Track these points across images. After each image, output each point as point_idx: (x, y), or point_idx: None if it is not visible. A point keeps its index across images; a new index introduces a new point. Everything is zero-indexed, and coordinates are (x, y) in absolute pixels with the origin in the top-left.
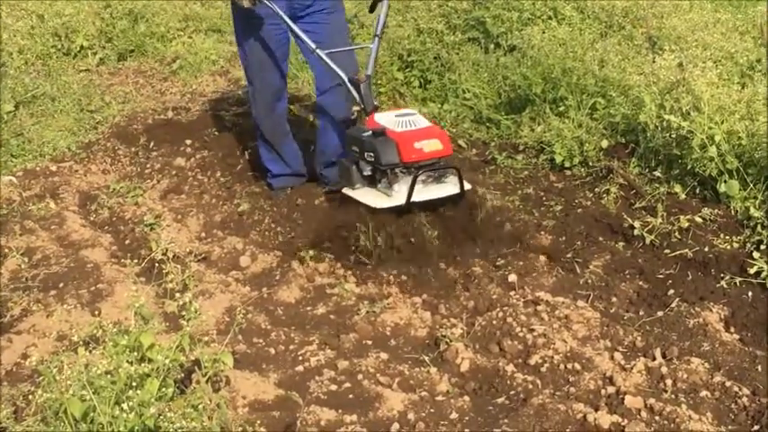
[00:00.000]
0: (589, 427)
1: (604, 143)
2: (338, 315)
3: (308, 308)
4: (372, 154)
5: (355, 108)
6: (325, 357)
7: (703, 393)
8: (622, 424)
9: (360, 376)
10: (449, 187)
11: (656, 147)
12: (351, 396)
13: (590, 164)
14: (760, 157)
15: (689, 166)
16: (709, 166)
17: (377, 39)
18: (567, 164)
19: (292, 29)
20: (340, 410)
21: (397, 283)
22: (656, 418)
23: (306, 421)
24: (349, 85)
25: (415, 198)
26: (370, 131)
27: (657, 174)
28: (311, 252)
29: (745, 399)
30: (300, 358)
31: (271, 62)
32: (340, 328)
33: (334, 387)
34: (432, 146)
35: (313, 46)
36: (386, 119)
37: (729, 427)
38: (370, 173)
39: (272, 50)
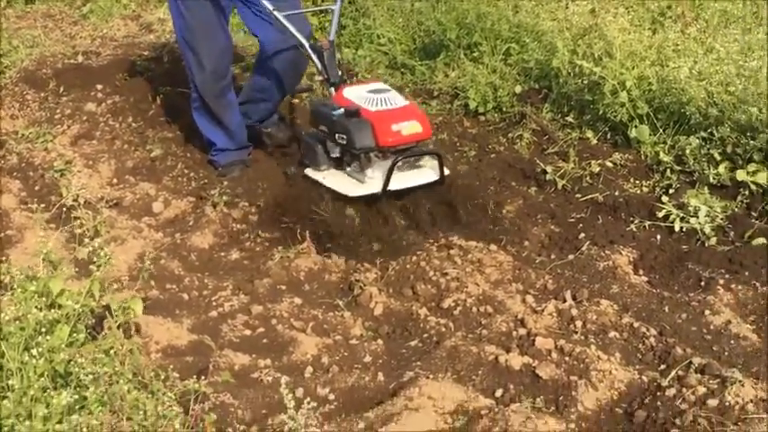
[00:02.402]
0: (501, 368)
1: (518, 89)
2: (252, 261)
3: (222, 253)
4: (344, 136)
5: (317, 78)
6: (239, 302)
7: (612, 334)
8: (533, 365)
9: (274, 321)
10: (427, 173)
11: (569, 92)
12: (265, 340)
13: (504, 109)
14: (669, 103)
15: (600, 112)
16: (620, 111)
17: (339, 1)
18: (481, 109)
19: None
20: (254, 355)
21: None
22: (566, 358)
23: (219, 365)
24: (310, 51)
25: (392, 186)
26: (342, 110)
27: (570, 119)
28: (225, 198)
29: (652, 339)
30: (214, 303)
31: (218, 23)
32: (254, 274)
33: (248, 332)
34: (411, 128)
35: (271, 7)
36: (357, 95)
37: (637, 366)
38: (338, 154)
39: (219, 10)
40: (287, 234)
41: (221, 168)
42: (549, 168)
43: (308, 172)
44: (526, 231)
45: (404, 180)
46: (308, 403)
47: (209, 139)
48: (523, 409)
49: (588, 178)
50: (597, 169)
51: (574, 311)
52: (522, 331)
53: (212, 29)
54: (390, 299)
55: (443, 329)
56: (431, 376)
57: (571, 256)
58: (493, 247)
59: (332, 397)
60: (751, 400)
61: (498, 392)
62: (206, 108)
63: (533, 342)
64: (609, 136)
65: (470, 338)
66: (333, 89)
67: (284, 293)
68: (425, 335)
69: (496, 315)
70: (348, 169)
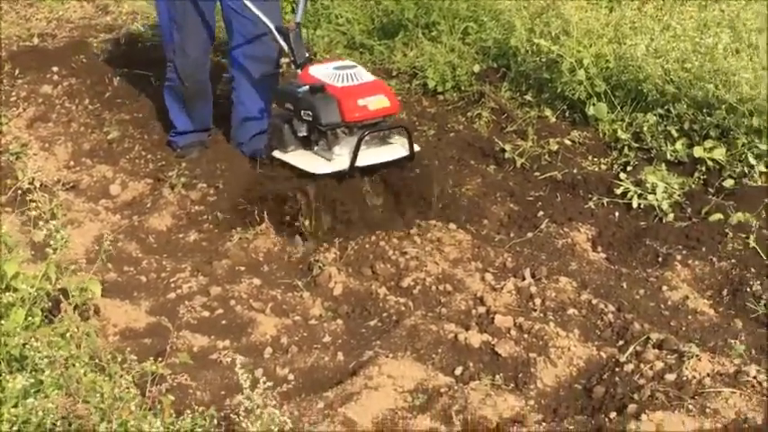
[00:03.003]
0: (460, 346)
1: (476, 68)
2: (210, 242)
3: (180, 235)
4: (310, 112)
5: (284, 60)
6: (198, 284)
7: (571, 311)
8: (492, 342)
9: (232, 302)
10: (396, 149)
11: (527, 71)
12: (224, 322)
13: (462, 88)
14: (627, 80)
15: (559, 90)
16: (578, 89)
17: None
18: (439, 88)
19: None
20: (212, 336)
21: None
22: (525, 336)
23: (177, 347)
24: (276, 34)
25: (360, 162)
26: (307, 86)
27: (528, 98)
28: (183, 179)
29: (610, 315)
30: (172, 285)
31: (206, 12)
32: (212, 255)
33: (206, 313)
34: (377, 103)
35: None
36: (323, 72)
37: (596, 342)
38: (305, 133)
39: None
40: (246, 215)
41: (180, 150)
42: (507, 147)
43: (276, 153)
44: (485, 210)
45: (372, 156)
46: (264, 383)
47: (172, 120)
48: (483, 386)
49: (547, 156)
50: (555, 147)
51: (533, 289)
52: (482, 309)
53: (201, 17)
54: (350, 278)
55: (403, 308)
56: (390, 355)
57: (530, 234)
58: (452, 226)
59: (291, 377)
60: (708, 374)
61: (458, 370)
62: (180, 90)
63: (492, 320)
64: (567, 114)
65: (430, 317)
66: (299, 70)
67: (243, 274)
68: (385, 314)
69: (456, 293)
70: (315, 148)
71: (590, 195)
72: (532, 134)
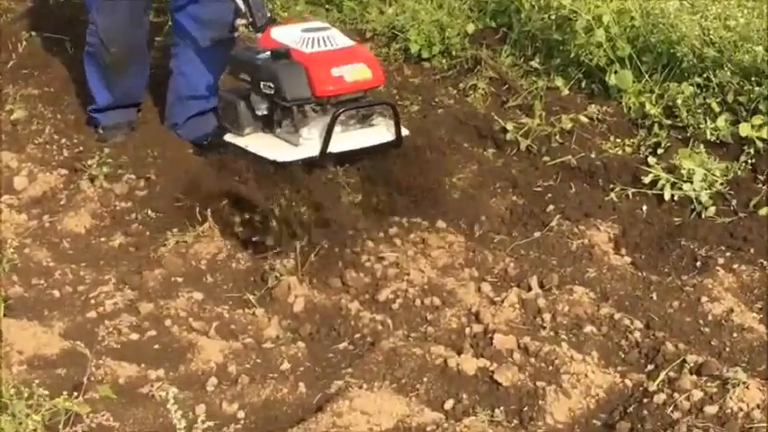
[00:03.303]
0: (451, 373)
1: (470, 28)
2: (140, 247)
3: (103, 239)
4: (271, 84)
5: (240, 23)
6: (124, 300)
7: (588, 329)
8: (491, 369)
9: (168, 322)
10: (379, 132)
11: (533, 31)
12: (157, 346)
13: (453, 54)
14: (657, 42)
15: (572, 55)
16: (596, 53)
17: None
18: (425, 54)
19: None
20: (143, 364)
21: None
22: (532, 360)
23: (98, 378)
24: None
25: (334, 148)
26: (268, 52)
27: (534, 64)
28: (105, 169)
29: (637, 333)
30: (93, 302)
31: None
32: (143, 263)
33: (135, 336)
34: (356, 73)
35: None
36: (289, 35)
37: (619, 368)
38: (266, 112)
39: None
40: (183, 213)
41: (101, 131)
42: (509, 126)
43: (229, 137)
44: (482, 204)
45: (349, 141)
46: (206, 423)
47: (91, 93)
48: (479, 423)
49: (558, 137)
50: (569, 126)
51: (541, 302)
52: (477, 328)
53: None
54: (313, 291)
55: (380, 327)
56: (364, 386)
57: (537, 234)
58: (440, 224)
59: (241, 414)
60: (757, 406)
61: (448, 404)
62: (104, 58)
63: (491, 341)
64: (583, 84)
65: (413, 338)
66: (259, 34)
67: (180, 287)
68: (357, 335)
69: (445, 308)
70: (278, 130)
71: (612, 185)
72: (540, 110)
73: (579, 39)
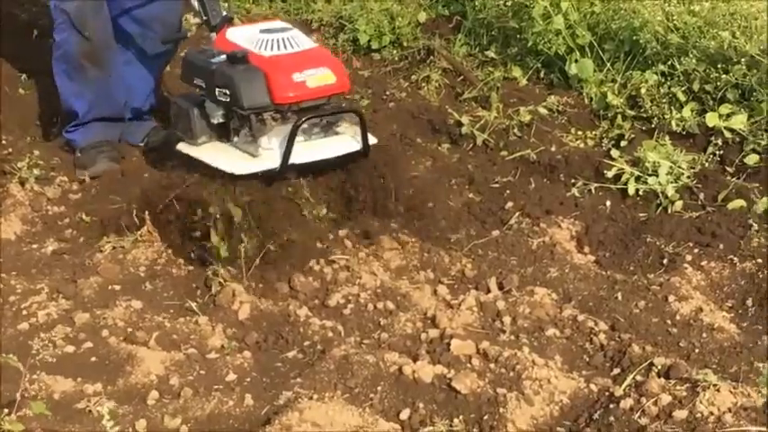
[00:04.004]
0: (406, 381)
1: (422, 16)
2: (75, 254)
3: (34, 246)
4: (227, 91)
5: (193, 21)
6: (59, 310)
7: (551, 332)
8: (449, 376)
9: (105, 332)
10: (345, 141)
11: (489, 19)
12: (93, 359)
13: (404, 44)
14: (618, 29)
15: (530, 43)
16: (555, 41)
17: None
18: (374, 45)
19: None
20: (79, 378)
21: None
22: (492, 365)
23: (31, 393)
24: None
25: (296, 159)
26: (224, 56)
27: (491, 54)
28: (36, 172)
29: (602, 336)
30: (25, 313)
31: None
32: (77, 271)
33: (70, 348)
34: (319, 78)
35: None
36: (246, 36)
37: (584, 372)
38: (222, 120)
39: None
40: (120, 216)
41: (80, 154)
42: (465, 119)
43: (182, 147)
44: (437, 202)
45: (313, 151)
46: None
47: (69, 107)
48: None
49: (516, 130)
50: (528, 118)
51: (500, 304)
52: (434, 333)
53: None
54: (260, 297)
55: (331, 334)
56: (315, 396)
57: (496, 233)
58: (393, 224)
59: (184, 429)
60: (729, 409)
61: (404, 414)
62: (82, 46)
63: (448, 346)
64: (542, 74)
65: (366, 345)
66: (214, 34)
67: (118, 295)
68: (307, 343)
69: (399, 313)
70: (235, 140)
71: (573, 180)
72: (497, 102)
73: (537, 26)
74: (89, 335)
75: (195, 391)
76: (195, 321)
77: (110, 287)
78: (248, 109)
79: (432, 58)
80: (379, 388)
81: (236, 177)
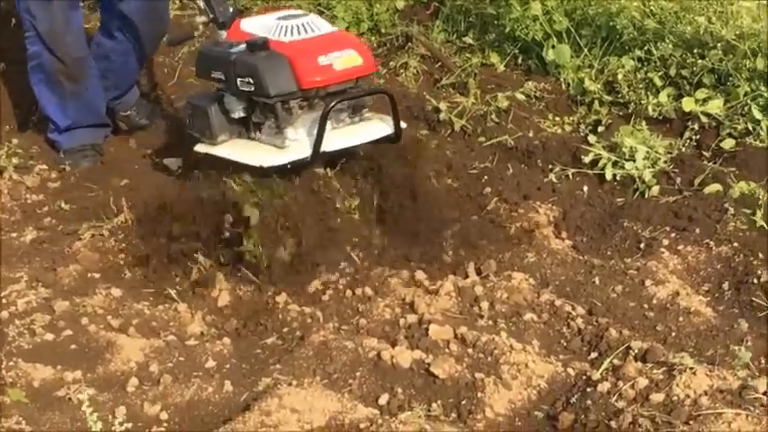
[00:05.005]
0: (385, 367)
1: (400, 3)
2: (53, 242)
3: (13, 234)
4: (251, 80)
5: (199, 20)
6: (38, 298)
7: (528, 316)
8: (427, 361)
9: (85, 320)
10: (375, 126)
11: (466, 5)
12: (73, 346)
13: (382, 31)
14: (595, 14)
15: (507, 29)
16: (532, 27)
17: None
18: (353, 31)
19: None
20: (59, 366)
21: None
22: (470, 350)
23: (9, 381)
24: None
25: (328, 146)
26: (243, 45)
27: (468, 40)
28: (15, 161)
29: (579, 320)
30: (4, 301)
31: None
32: (57, 259)
33: (50, 336)
34: (345, 60)
35: None
36: (262, 25)
37: (561, 356)
38: (242, 114)
39: None
40: (99, 204)
41: (63, 155)
42: (443, 105)
43: (201, 148)
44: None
45: (344, 138)
46: (123, 425)
47: (49, 117)
48: (416, 418)
49: (494, 116)
50: (505, 104)
51: (478, 289)
52: (412, 318)
53: None
54: (239, 284)
55: (309, 320)
56: (294, 382)
57: (474, 218)
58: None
59: (164, 416)
60: (705, 392)
61: (383, 399)
62: (55, 64)
63: (426, 332)
64: (519, 60)
65: (345, 331)
66: (223, 32)
67: (98, 283)
68: (286, 329)
69: (378, 299)
70: (258, 134)
71: (551, 166)
72: (475, 88)
73: (514, 12)
74: (68, 323)
75: (175, 378)
76: (174, 309)
77: (89, 275)
78: (274, 97)
79: (410, 44)
80: (357, 373)
81: (265, 171)
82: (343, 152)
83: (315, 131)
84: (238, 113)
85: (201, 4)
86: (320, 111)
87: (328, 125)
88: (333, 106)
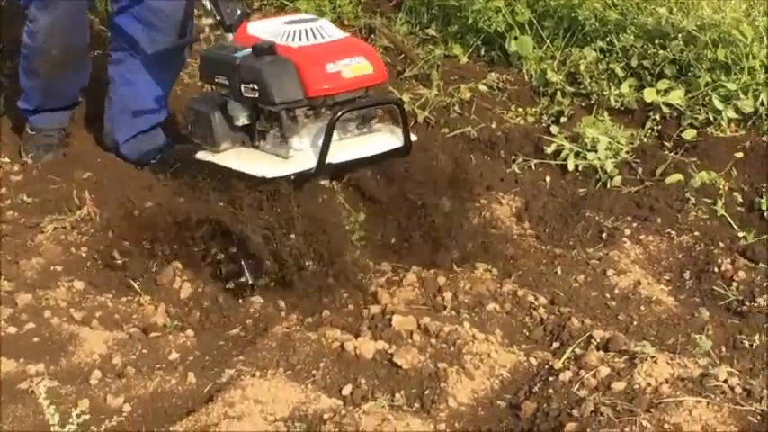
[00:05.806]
0: (348, 358)
1: None
2: (15, 235)
3: None
4: (255, 86)
5: (206, 22)
6: (1, 291)
7: (491, 306)
8: (390, 351)
9: (47, 313)
10: (384, 138)
11: None
12: (36, 339)
13: (345, 23)
14: (557, 6)
15: (470, 21)
16: (494, 19)
17: None
18: None
19: None
20: (21, 359)
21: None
22: (433, 340)
23: None
24: None
25: (333, 158)
26: (248, 50)
27: (431, 32)
28: None
29: (541, 310)
30: None
31: None
32: (19, 252)
33: (12, 329)
34: (354, 68)
35: None
36: (269, 29)
37: (524, 346)
38: (246, 121)
39: None
40: (62, 197)
41: (30, 131)
42: (406, 97)
43: (201, 155)
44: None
45: (351, 150)
46: (82, 417)
47: (24, 90)
48: (379, 408)
49: (457, 108)
50: (468, 96)
51: (441, 280)
52: (375, 309)
53: None
54: (200, 276)
55: (272, 312)
56: (257, 374)
57: (437, 209)
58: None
59: (127, 408)
60: (666, 380)
61: (346, 389)
62: (45, 62)
63: (389, 322)
64: (482, 52)
65: (307, 322)
66: (230, 35)
67: (60, 276)
68: (249, 320)
69: (340, 289)
70: (262, 143)
71: (513, 156)
72: (438, 79)
73: (477, 4)
74: (31, 315)
75: (138, 370)
76: (137, 301)
77: (52, 268)
78: (279, 104)
79: (373, 36)
80: (321, 364)
81: (267, 182)
82: (348, 165)
83: (320, 142)
84: (242, 121)
85: (208, 5)
86: (327, 120)
87: (335, 136)
88: (340, 116)
